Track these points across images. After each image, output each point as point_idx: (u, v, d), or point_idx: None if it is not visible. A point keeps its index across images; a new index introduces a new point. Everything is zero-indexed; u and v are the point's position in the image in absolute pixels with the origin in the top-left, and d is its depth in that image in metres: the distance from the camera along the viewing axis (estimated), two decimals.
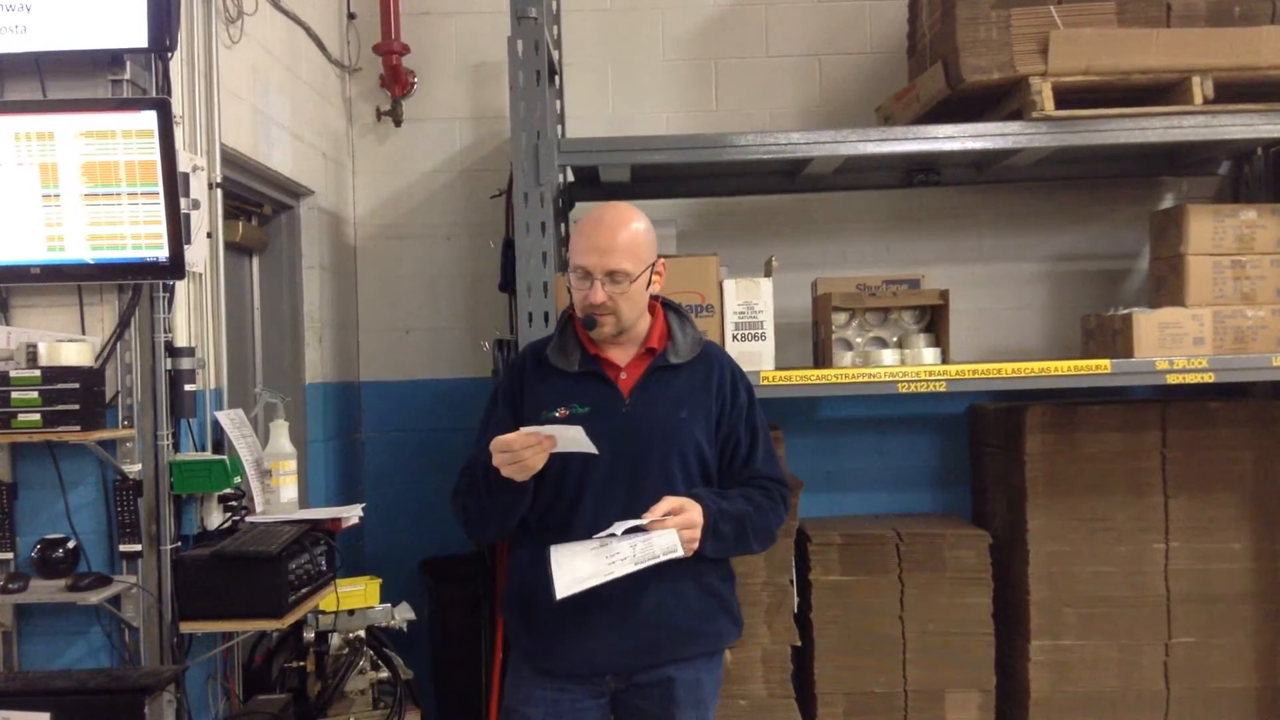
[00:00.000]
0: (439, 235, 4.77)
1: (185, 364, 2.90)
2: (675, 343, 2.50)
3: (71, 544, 2.77)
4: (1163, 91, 3.71)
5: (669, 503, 2.29)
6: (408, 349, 4.73)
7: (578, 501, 2.40)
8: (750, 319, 3.64)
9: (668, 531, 2.26)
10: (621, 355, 2.48)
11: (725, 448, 2.51)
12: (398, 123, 4.73)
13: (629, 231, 2.39)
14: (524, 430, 2.22)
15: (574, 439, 2.22)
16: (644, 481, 2.39)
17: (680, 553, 2.25)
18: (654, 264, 2.45)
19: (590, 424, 2.32)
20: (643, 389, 2.45)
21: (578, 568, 2.24)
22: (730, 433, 2.51)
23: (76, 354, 2.71)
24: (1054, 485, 4.08)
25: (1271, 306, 3.78)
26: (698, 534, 2.30)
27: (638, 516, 2.29)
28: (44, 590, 2.69)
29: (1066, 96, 3.63)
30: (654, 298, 2.54)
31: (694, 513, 2.31)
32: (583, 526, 2.35)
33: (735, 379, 2.55)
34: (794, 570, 4.08)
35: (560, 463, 2.34)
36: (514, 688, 2.55)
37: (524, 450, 2.21)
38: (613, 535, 2.27)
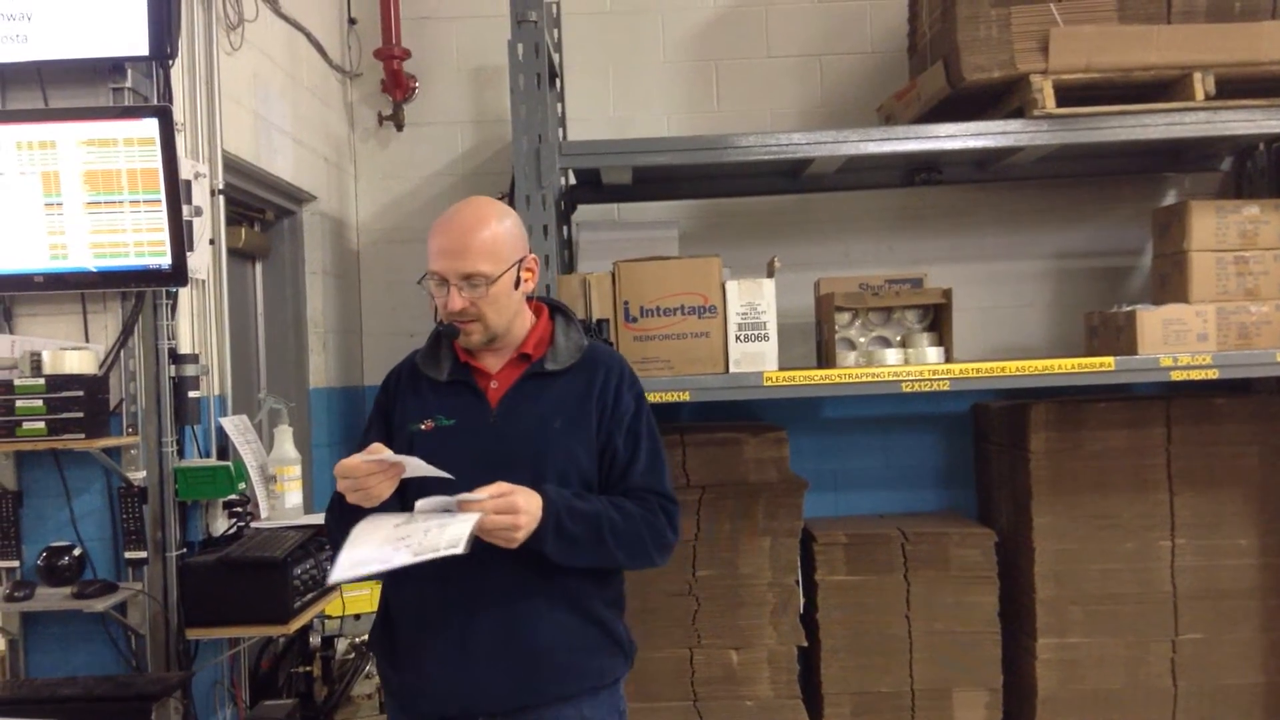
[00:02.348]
0: None
1: (189, 370, 2.91)
2: (555, 348, 2.26)
3: (77, 551, 2.78)
4: (1164, 88, 3.70)
5: (496, 486, 1.99)
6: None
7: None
8: (753, 320, 3.64)
9: (465, 519, 1.94)
10: (494, 362, 2.26)
11: (602, 459, 2.22)
12: (399, 127, 4.73)
13: (486, 230, 2.16)
14: (366, 456, 2.01)
15: (419, 466, 2.01)
16: None
17: (460, 550, 1.88)
18: (522, 261, 2.20)
19: (455, 437, 2.18)
20: (513, 399, 2.21)
21: (360, 554, 1.96)
22: (608, 442, 2.22)
23: (80, 362, 2.72)
24: (1059, 483, 4.08)
25: (1275, 302, 3.77)
26: (520, 520, 1.98)
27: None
28: (50, 598, 2.69)
29: (1068, 94, 3.63)
30: (539, 299, 2.34)
31: (521, 498, 2.00)
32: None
33: (620, 385, 2.27)
34: (799, 570, 4.08)
35: (419, 479, 2.07)
36: None
37: (367, 478, 2.01)
38: (417, 514, 2.00)
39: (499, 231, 2.17)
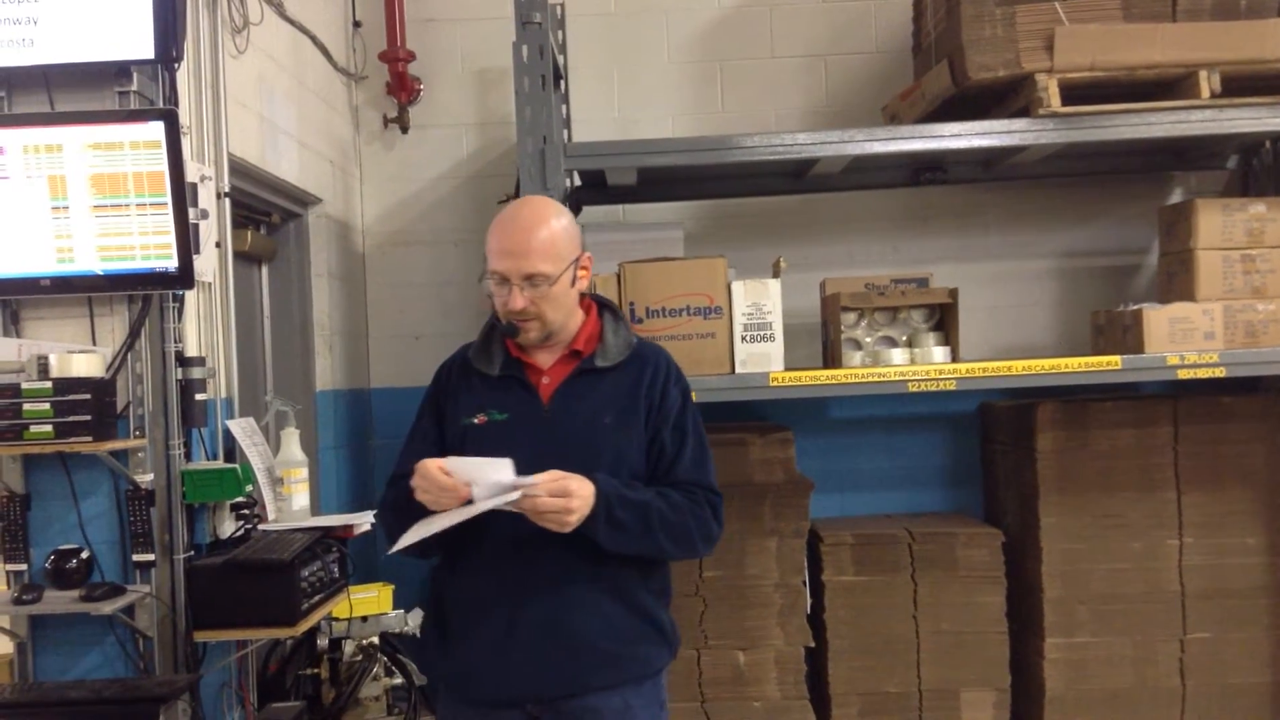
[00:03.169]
0: (447, 241, 4.78)
1: (196, 373, 2.91)
2: (605, 345, 2.32)
3: (85, 554, 2.78)
4: (1169, 86, 3.70)
5: (551, 474, 2.07)
6: (418, 355, 4.73)
7: (493, 512, 2.12)
8: (759, 320, 3.64)
9: (530, 487, 2.04)
10: (546, 358, 2.32)
11: (650, 452, 2.30)
12: (404, 129, 4.74)
13: (546, 230, 2.20)
14: (450, 465, 2.08)
15: (487, 504, 2.05)
16: None
17: (514, 496, 2.01)
18: (577, 259, 2.26)
19: (508, 431, 2.23)
20: (565, 394, 2.28)
21: (421, 527, 2.08)
22: (655, 437, 2.30)
23: (87, 365, 2.72)
24: (1066, 482, 4.07)
25: None
26: (573, 505, 2.06)
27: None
28: (58, 601, 2.69)
29: (1073, 92, 3.63)
30: (588, 296, 2.39)
31: (574, 484, 2.07)
32: (499, 536, 2.18)
33: (667, 381, 2.34)
34: (806, 571, 4.08)
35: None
36: (441, 715, 2.40)
37: (443, 494, 2.07)
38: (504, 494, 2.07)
39: (557, 230, 2.23)
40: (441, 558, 2.33)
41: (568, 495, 2.06)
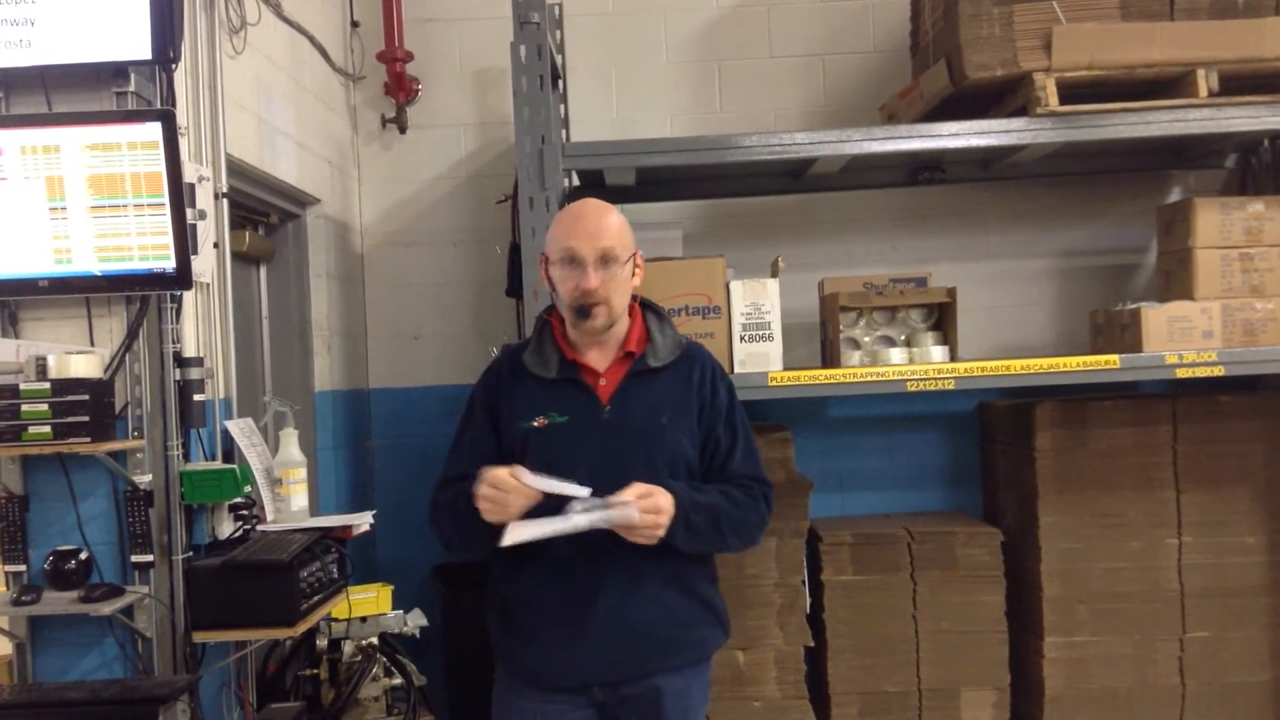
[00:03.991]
0: (445, 241, 4.78)
1: (194, 374, 2.91)
2: (654, 345, 2.42)
3: (84, 555, 2.78)
4: (1167, 85, 3.70)
5: (637, 488, 2.19)
6: (416, 355, 4.74)
7: (559, 511, 2.22)
8: (757, 320, 3.64)
9: (625, 505, 2.16)
10: (600, 360, 2.41)
11: (705, 449, 2.43)
12: (402, 130, 4.74)
13: (614, 217, 2.36)
14: (523, 478, 2.16)
15: (589, 515, 2.17)
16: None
17: (634, 516, 2.14)
18: (634, 254, 2.39)
19: (570, 434, 2.31)
20: (623, 395, 2.37)
21: (529, 526, 2.17)
22: (710, 433, 2.43)
23: (85, 366, 2.72)
24: (1065, 481, 4.07)
25: None
26: (663, 519, 2.20)
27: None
28: (57, 602, 2.69)
29: (1071, 92, 3.63)
30: (632, 299, 2.48)
31: (661, 498, 2.20)
32: (565, 536, 2.23)
33: (715, 378, 2.47)
34: (806, 571, 4.07)
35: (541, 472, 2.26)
36: (499, 700, 2.51)
37: (513, 495, 2.15)
38: (575, 507, 2.18)
39: (622, 221, 2.38)
40: (505, 559, 2.37)
41: (659, 511, 2.19)
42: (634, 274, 2.39)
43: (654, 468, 2.31)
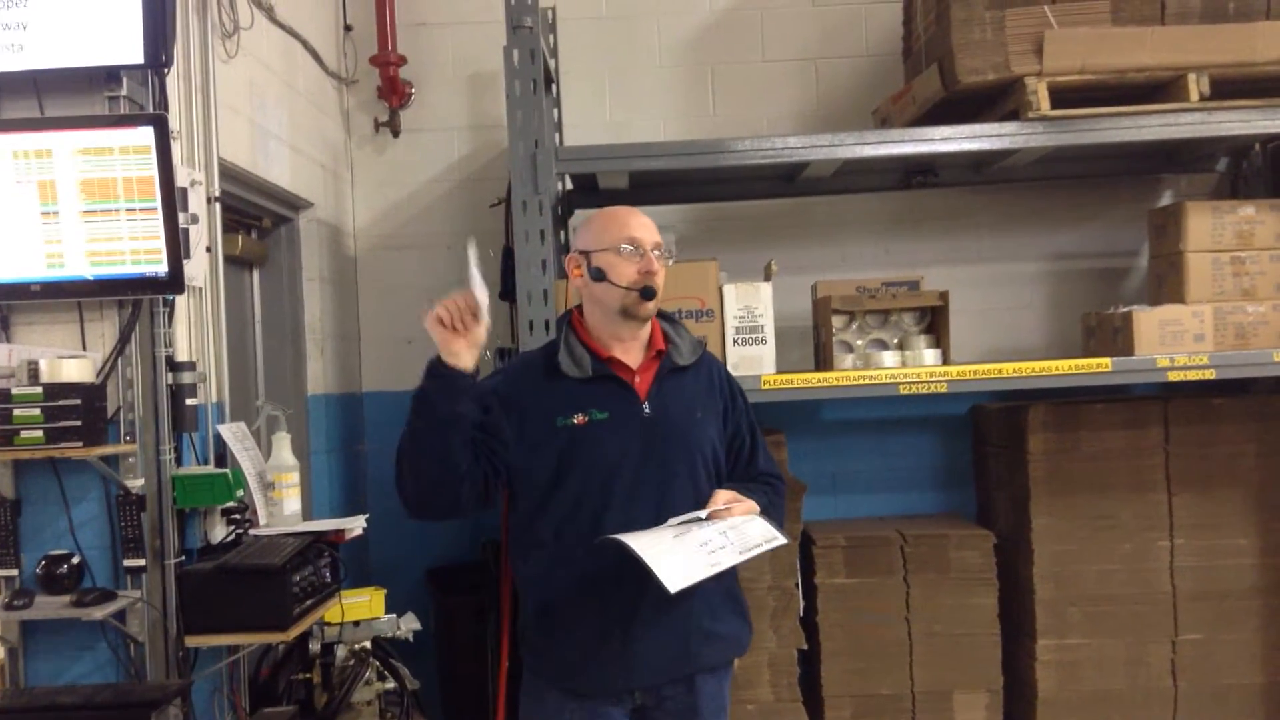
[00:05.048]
0: (439, 245, 4.77)
1: (186, 378, 2.91)
2: (677, 345, 2.49)
3: (76, 560, 2.77)
4: (1159, 89, 3.71)
5: (725, 494, 2.30)
6: (410, 359, 4.71)
7: (605, 509, 2.33)
8: (751, 323, 3.65)
9: (753, 519, 2.28)
10: (632, 359, 2.44)
11: (731, 447, 2.51)
12: (395, 133, 4.74)
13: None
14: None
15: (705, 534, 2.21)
16: (671, 484, 2.36)
17: (783, 540, 2.28)
18: None
19: (611, 430, 2.34)
20: (658, 392, 2.42)
21: (676, 561, 2.12)
22: (735, 433, 2.52)
23: (78, 370, 2.72)
24: (1057, 484, 4.08)
25: (1272, 302, 3.78)
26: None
27: (664, 521, 2.26)
28: (49, 606, 2.69)
29: (1062, 96, 3.64)
30: None
31: (750, 502, 2.33)
32: (610, 533, 2.23)
33: (730, 381, 2.58)
34: (799, 574, 4.08)
35: (582, 471, 2.33)
36: (532, 710, 2.47)
37: (461, 309, 2.21)
38: (693, 521, 2.23)
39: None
40: (540, 561, 2.40)
41: (754, 513, 2.32)
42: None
43: (692, 463, 2.40)
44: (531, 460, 2.37)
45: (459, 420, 2.28)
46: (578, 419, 2.36)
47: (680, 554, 2.14)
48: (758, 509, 2.34)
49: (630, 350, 2.45)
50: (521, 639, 2.50)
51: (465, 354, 2.25)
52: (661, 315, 2.54)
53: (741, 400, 2.56)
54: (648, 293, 2.38)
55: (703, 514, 2.24)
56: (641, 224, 2.42)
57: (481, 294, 2.19)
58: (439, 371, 2.26)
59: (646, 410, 2.39)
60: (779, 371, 3.66)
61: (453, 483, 2.31)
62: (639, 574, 2.13)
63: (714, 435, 2.47)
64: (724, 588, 2.44)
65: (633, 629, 2.33)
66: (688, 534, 2.19)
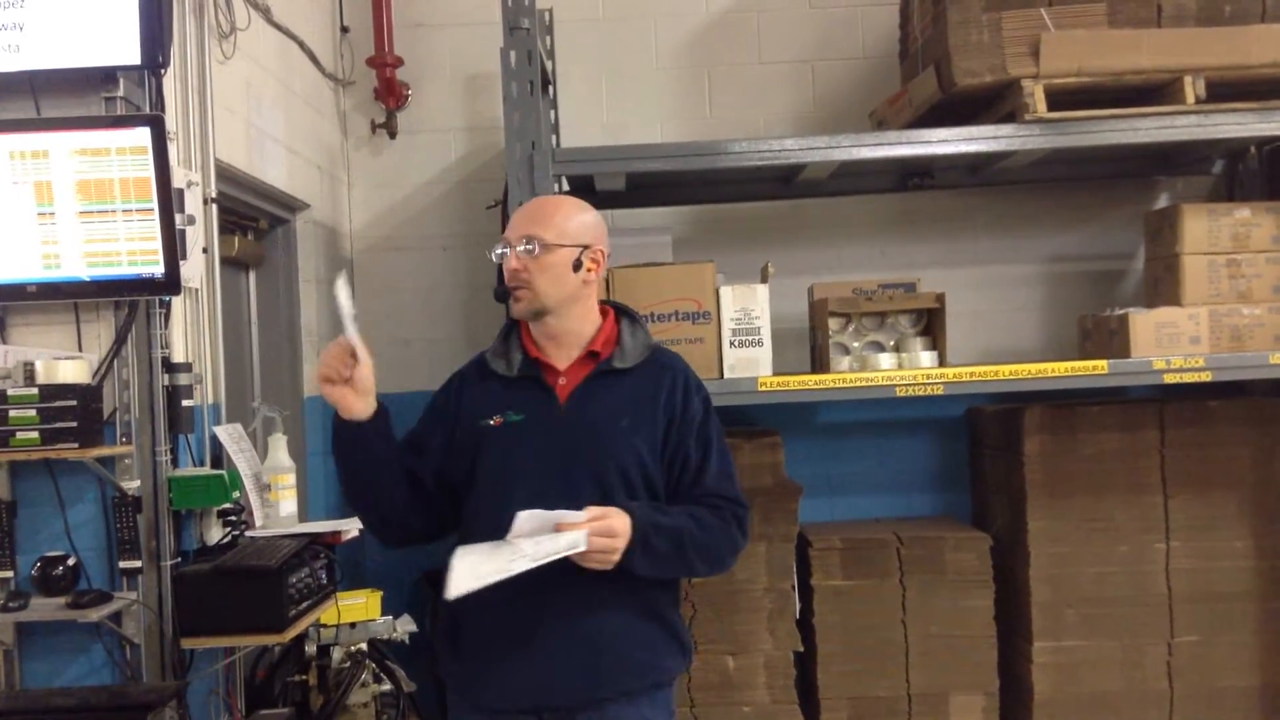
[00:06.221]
0: (435, 246, 4.78)
1: (182, 379, 2.90)
2: (622, 347, 2.31)
3: (71, 561, 2.77)
4: (1155, 91, 3.72)
5: (590, 511, 2.06)
6: (407, 361, 4.72)
7: (503, 513, 2.08)
8: (747, 325, 3.65)
9: (574, 529, 2.02)
10: (562, 359, 2.29)
11: (673, 463, 2.27)
12: (392, 135, 4.73)
13: (556, 207, 2.29)
14: (521, 517, 2.04)
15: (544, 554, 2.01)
16: (577, 493, 2.15)
17: (582, 547, 2.00)
18: (587, 247, 2.27)
19: (523, 433, 2.22)
20: (581, 396, 2.25)
21: (475, 565, 2.02)
22: (679, 447, 2.27)
23: (74, 371, 2.71)
24: (1053, 486, 4.08)
25: (1268, 304, 3.79)
26: (618, 544, 2.06)
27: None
28: (44, 608, 2.69)
29: (1059, 98, 3.64)
30: (606, 303, 2.40)
31: (616, 521, 2.06)
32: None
33: (689, 390, 2.32)
34: (795, 575, 4.08)
35: (489, 474, 2.22)
36: None
37: (334, 356, 2.12)
38: (518, 538, 2.04)
39: (570, 213, 2.29)
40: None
41: (613, 535, 2.05)
42: (583, 269, 2.26)
43: (604, 472, 2.20)
44: (453, 464, 2.28)
45: (377, 464, 2.22)
46: (494, 420, 2.25)
47: (482, 555, 2.04)
48: (620, 532, 2.06)
49: (562, 350, 2.30)
50: (437, 654, 2.39)
51: (356, 404, 2.15)
52: (625, 313, 2.39)
53: (699, 413, 2.30)
54: (499, 295, 2.27)
55: (551, 521, 2.04)
56: (516, 217, 2.30)
57: (353, 332, 2.11)
58: (338, 427, 2.19)
59: (562, 414, 2.24)
60: (775, 373, 3.67)
61: (396, 518, 2.27)
62: (540, 587, 2.07)
63: (642, 446, 2.24)
64: (645, 608, 2.24)
65: (535, 643, 2.18)
66: (510, 545, 2.04)
